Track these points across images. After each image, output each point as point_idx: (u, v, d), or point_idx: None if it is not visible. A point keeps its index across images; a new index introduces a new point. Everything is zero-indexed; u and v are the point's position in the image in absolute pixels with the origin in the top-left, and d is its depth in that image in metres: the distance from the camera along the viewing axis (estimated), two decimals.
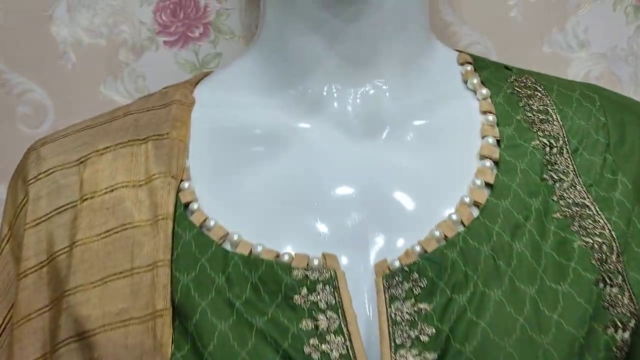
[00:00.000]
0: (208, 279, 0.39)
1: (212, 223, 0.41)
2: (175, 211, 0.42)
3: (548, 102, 0.47)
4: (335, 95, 0.45)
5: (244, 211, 0.42)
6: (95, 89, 0.60)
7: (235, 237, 0.41)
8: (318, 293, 0.38)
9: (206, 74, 0.51)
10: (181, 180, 0.43)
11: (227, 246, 0.41)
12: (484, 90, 0.47)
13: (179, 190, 0.43)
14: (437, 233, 0.40)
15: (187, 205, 0.42)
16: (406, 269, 0.39)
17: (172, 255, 0.40)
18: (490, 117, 0.45)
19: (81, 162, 0.44)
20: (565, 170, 0.44)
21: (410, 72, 0.46)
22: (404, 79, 0.46)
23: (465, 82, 0.48)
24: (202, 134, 0.46)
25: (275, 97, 0.46)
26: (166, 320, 0.38)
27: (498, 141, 0.44)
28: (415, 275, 0.38)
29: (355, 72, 0.45)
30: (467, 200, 0.42)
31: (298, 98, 0.45)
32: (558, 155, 0.44)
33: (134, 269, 0.40)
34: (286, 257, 0.39)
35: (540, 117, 0.46)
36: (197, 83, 0.50)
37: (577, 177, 0.44)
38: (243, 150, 0.45)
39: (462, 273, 0.39)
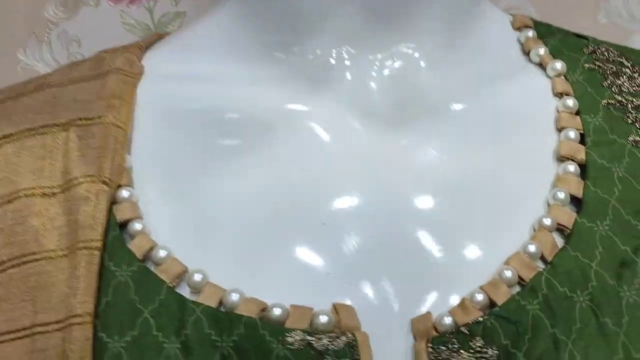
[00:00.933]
0: (153, 345, 0.25)
1: (162, 254, 0.27)
2: (106, 235, 0.27)
3: None
4: (348, 63, 0.31)
5: (213, 235, 0.28)
6: (12, 56, 0.47)
7: (198, 278, 0.26)
8: None
9: (162, 36, 0.37)
10: (118, 187, 0.29)
11: (185, 291, 0.27)
12: (558, 64, 0.33)
13: (113, 202, 0.28)
14: (508, 273, 0.26)
15: (125, 224, 0.28)
16: (465, 330, 0.25)
17: (97, 305, 0.26)
18: (570, 102, 0.32)
19: None
20: None
21: (455, 36, 0.32)
22: (446, 45, 0.32)
23: (527, 52, 0.34)
24: (153, 119, 0.31)
25: (260, 66, 0.32)
26: None
27: (582, 135, 0.31)
28: (480, 341, 0.25)
29: (379, 32, 0.31)
30: (547, 222, 0.28)
31: (294, 67, 0.31)
32: None
33: (35, 326, 0.25)
34: (277, 312, 0.25)
35: (636, 103, 0.33)
36: (148, 47, 0.35)
37: None
38: (213, 143, 0.31)
39: (550, 337, 0.25)
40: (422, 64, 0.32)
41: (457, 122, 0.31)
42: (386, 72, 0.31)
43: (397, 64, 0.31)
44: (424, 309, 0.26)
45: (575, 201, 0.29)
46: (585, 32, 0.46)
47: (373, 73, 0.31)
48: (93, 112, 0.30)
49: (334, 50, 0.31)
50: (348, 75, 0.31)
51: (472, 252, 0.28)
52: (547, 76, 0.33)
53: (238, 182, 0.29)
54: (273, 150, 0.30)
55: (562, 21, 0.49)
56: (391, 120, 0.31)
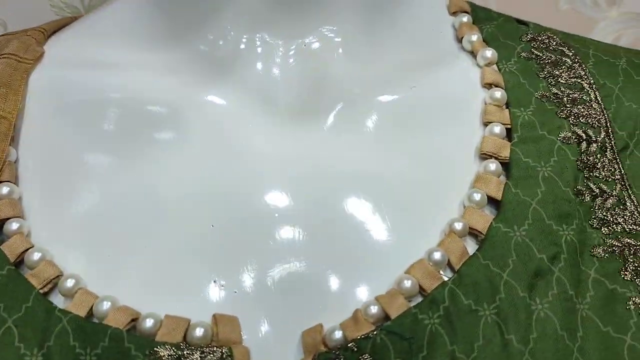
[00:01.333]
0: (13, 358, 0.23)
1: (36, 256, 0.25)
2: None
3: (582, 73, 0.31)
4: (258, 50, 0.28)
5: (97, 238, 0.26)
6: None
7: (70, 283, 0.24)
8: None
9: (74, 20, 0.34)
10: None
11: (56, 298, 0.24)
12: (488, 52, 0.30)
13: None
14: (407, 283, 0.24)
15: (2, 224, 0.26)
16: (353, 346, 0.23)
17: None
18: (498, 94, 0.29)
19: None
20: (609, 179, 0.28)
21: (377, 19, 0.30)
22: (368, 31, 0.29)
23: (460, 39, 0.32)
24: (45, 109, 0.29)
25: (170, 53, 0.29)
26: None
27: (509, 130, 0.28)
28: (368, 359, 0.22)
29: (291, 15, 0.28)
30: (457, 227, 0.25)
31: (203, 55, 0.29)
32: (599, 155, 0.28)
33: None
34: (149, 323, 0.23)
35: (572, 96, 0.30)
36: (57, 31, 0.33)
37: (627, 189, 0.28)
38: (110, 136, 0.28)
39: (448, 355, 0.23)
40: (341, 51, 0.29)
41: (374, 115, 0.29)
42: (298, 60, 0.28)
43: (312, 52, 0.29)
44: (319, 320, 0.24)
45: (495, 204, 0.27)
46: (545, 21, 0.43)
47: (283, 61, 0.28)
48: None
49: (245, 36, 0.28)
50: (259, 64, 0.28)
51: (378, 257, 0.25)
52: (477, 65, 0.31)
53: (137, 180, 0.27)
54: (171, 146, 0.28)
55: (521, 8, 0.47)
56: (302, 112, 0.28)
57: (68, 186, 0.27)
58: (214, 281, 0.25)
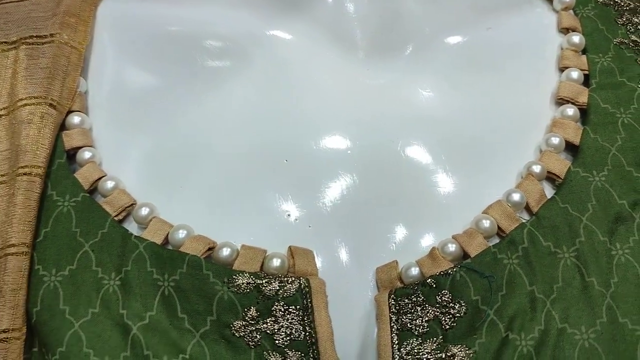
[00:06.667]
0: (91, 281, 0.23)
1: (109, 185, 0.25)
2: (51, 162, 0.25)
3: None
4: None
5: (169, 168, 0.26)
6: None
7: (144, 211, 0.24)
8: (276, 318, 0.22)
9: None
10: (69, 112, 0.26)
11: (132, 226, 0.24)
12: None
13: (63, 128, 0.26)
14: (485, 223, 0.24)
15: (74, 153, 0.26)
16: (431, 282, 0.22)
17: (36, 235, 0.24)
18: (576, 39, 0.28)
19: None
20: None
21: None
22: None
23: None
24: (115, 42, 0.29)
25: None
26: (14, 348, 0.22)
27: (586, 77, 0.28)
28: (447, 295, 0.22)
29: None
30: (536, 169, 0.25)
31: None
32: None
33: None
34: (226, 252, 0.23)
35: None
36: None
37: None
38: (181, 69, 0.28)
39: (527, 295, 0.23)
40: None
41: (447, 56, 0.28)
42: None
43: None
44: (390, 258, 0.24)
45: (572, 149, 0.26)
46: None
47: None
48: (45, 30, 0.28)
49: None
50: (332, 0, 0.28)
51: (452, 197, 0.25)
52: (554, 10, 0.30)
53: (205, 112, 0.27)
54: (245, 80, 0.27)
55: None
56: (373, 50, 0.28)
57: (140, 117, 0.27)
58: (287, 215, 0.24)
